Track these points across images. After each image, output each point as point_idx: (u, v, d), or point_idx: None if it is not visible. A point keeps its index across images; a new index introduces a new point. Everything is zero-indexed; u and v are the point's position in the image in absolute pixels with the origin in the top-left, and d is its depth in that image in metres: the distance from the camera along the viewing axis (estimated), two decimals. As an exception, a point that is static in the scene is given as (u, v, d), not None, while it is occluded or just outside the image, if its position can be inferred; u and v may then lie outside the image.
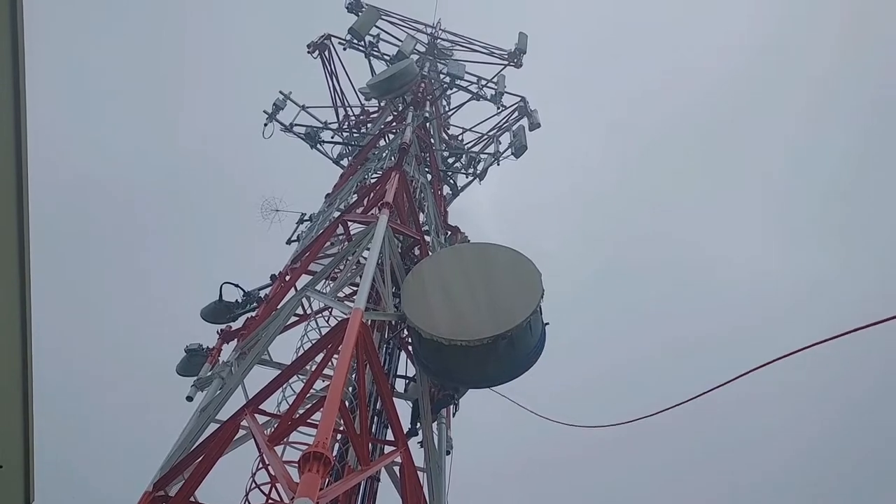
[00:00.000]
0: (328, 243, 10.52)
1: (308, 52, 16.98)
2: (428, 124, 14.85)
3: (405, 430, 7.87)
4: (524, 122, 17.64)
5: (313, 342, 7.85)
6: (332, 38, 17.11)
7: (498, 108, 17.64)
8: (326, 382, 7.30)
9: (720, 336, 30.93)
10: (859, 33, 37.53)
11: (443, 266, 9.02)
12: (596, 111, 46.89)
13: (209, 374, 8.74)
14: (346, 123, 17.27)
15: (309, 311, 9.15)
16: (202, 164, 39.50)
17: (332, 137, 16.43)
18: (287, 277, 10.26)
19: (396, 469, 7.46)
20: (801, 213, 39.25)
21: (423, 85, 16.33)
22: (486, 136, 18.00)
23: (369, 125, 16.64)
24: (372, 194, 10.85)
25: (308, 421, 6.96)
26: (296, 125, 15.91)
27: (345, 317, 7.27)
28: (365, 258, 9.10)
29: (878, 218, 35.62)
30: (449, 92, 17.71)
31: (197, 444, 6.98)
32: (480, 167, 16.70)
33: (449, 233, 12.73)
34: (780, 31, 42.44)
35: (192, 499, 6.57)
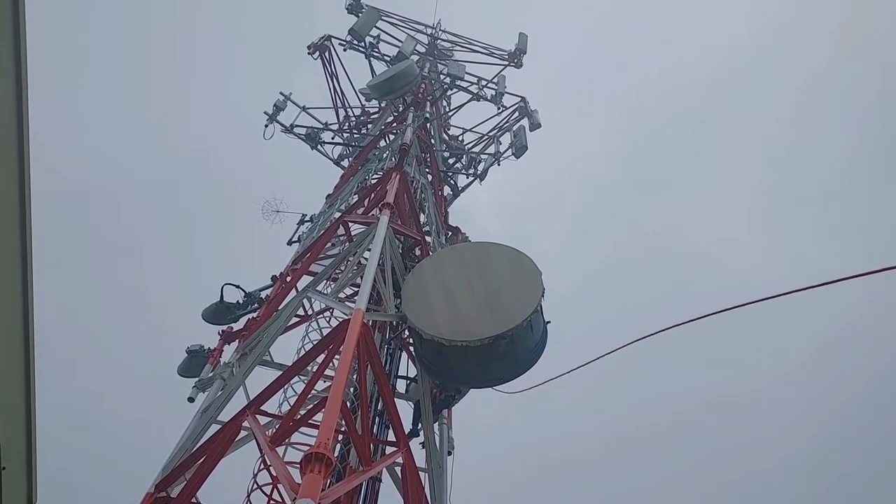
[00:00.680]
0: (329, 244, 10.53)
1: (308, 54, 17.02)
2: (428, 125, 14.84)
3: (406, 430, 7.88)
4: (524, 122, 17.67)
5: (314, 343, 7.88)
6: (333, 39, 17.14)
7: (498, 109, 17.65)
8: (328, 383, 7.31)
9: (720, 336, 30.93)
10: (859, 32, 37.60)
11: (443, 266, 8.99)
12: (596, 111, 46.94)
13: (210, 375, 8.75)
14: (347, 124, 17.30)
15: (310, 312, 9.17)
16: (202, 165, 39.61)
17: (333, 138, 16.47)
18: (288, 278, 10.27)
19: (398, 469, 7.46)
20: (798, 212, 39.32)
21: (423, 85, 16.32)
22: (486, 137, 18.03)
23: (370, 126, 16.67)
24: (373, 195, 10.85)
25: (309, 422, 6.98)
26: (296, 126, 15.93)
27: (346, 317, 7.26)
28: (366, 259, 9.11)
29: (876, 216, 35.70)
30: (449, 92, 17.68)
31: (198, 445, 6.97)
32: (481, 167, 16.72)
33: (450, 233, 12.71)
34: (777, 29, 42.52)
35: (193, 500, 6.56)
